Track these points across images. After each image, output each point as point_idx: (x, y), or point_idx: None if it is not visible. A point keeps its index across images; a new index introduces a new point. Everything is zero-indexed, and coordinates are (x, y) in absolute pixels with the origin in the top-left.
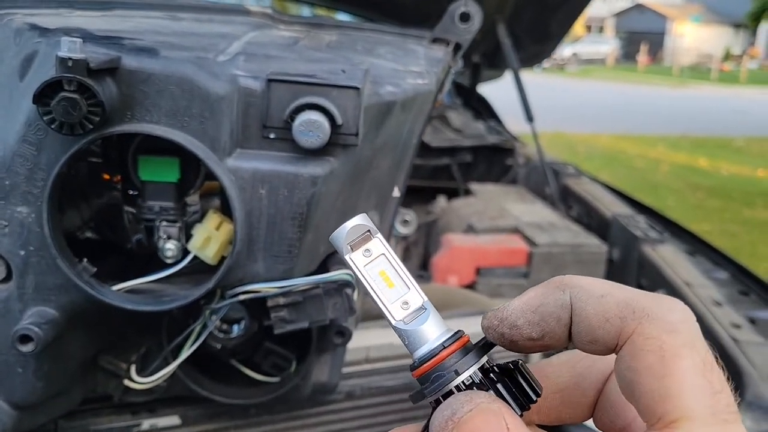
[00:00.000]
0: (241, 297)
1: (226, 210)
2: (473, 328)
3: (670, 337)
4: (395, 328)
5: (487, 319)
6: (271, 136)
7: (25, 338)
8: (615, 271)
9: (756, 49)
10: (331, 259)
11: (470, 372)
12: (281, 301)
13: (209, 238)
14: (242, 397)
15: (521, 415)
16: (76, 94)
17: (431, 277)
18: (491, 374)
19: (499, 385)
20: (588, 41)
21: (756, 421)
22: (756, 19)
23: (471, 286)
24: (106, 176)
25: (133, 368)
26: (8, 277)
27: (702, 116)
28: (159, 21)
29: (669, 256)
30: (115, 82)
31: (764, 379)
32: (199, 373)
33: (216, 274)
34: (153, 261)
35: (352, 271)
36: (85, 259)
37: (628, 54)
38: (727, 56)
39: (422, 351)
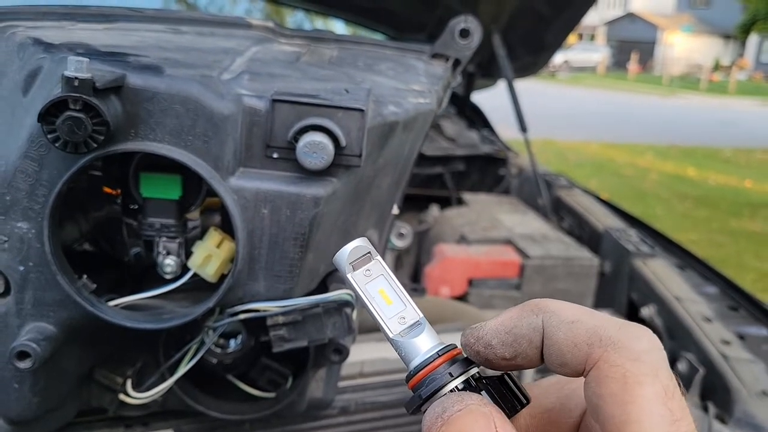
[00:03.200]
0: (242, 316)
1: (226, 227)
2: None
3: (633, 365)
4: (392, 341)
5: (464, 336)
6: (275, 155)
7: (22, 354)
8: (606, 285)
9: (745, 61)
10: (331, 277)
11: (463, 377)
12: (281, 320)
13: (210, 256)
14: (238, 413)
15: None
16: (81, 113)
17: (425, 290)
18: (483, 380)
19: (489, 390)
20: (579, 49)
21: None
22: (746, 30)
23: (463, 297)
24: (107, 190)
25: (128, 383)
26: (6, 292)
27: (691, 126)
28: (162, 35)
29: (660, 271)
30: (119, 101)
31: (753, 395)
32: (195, 388)
33: (216, 293)
34: (150, 275)
35: (353, 289)
36: (85, 276)
37: (619, 62)
38: (717, 67)
39: (417, 361)
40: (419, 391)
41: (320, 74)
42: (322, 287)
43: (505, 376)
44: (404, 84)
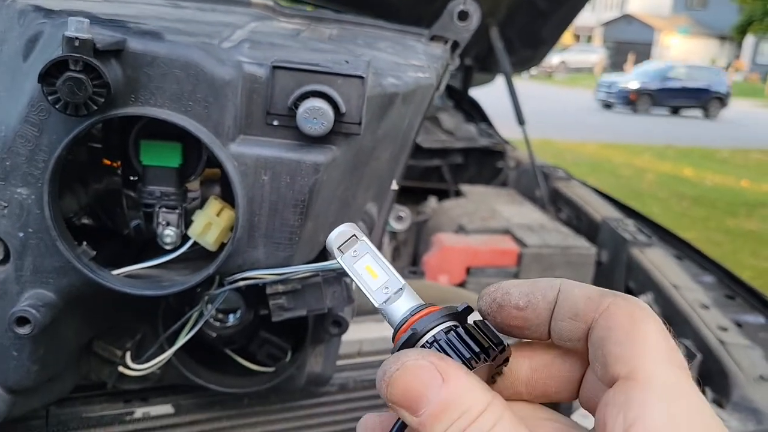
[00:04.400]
0: (241, 284)
1: (226, 197)
2: None
3: (639, 309)
4: (379, 309)
5: (487, 287)
6: (275, 123)
7: (22, 320)
8: (603, 273)
9: (741, 62)
10: None
11: (433, 332)
12: (280, 288)
13: (210, 224)
14: (237, 386)
15: (472, 368)
16: (82, 74)
17: (423, 273)
18: (450, 332)
19: (444, 341)
20: (576, 50)
21: (742, 422)
22: (742, 32)
23: (461, 286)
24: (107, 161)
25: (128, 355)
26: (6, 259)
27: (687, 126)
28: (162, 8)
29: (657, 259)
30: (119, 65)
31: (750, 380)
32: (194, 362)
33: (216, 260)
34: (149, 247)
35: (344, 270)
36: (85, 243)
37: (616, 63)
38: None
39: (397, 321)
40: (392, 351)
41: (320, 47)
42: (321, 258)
43: (475, 323)
44: (404, 59)
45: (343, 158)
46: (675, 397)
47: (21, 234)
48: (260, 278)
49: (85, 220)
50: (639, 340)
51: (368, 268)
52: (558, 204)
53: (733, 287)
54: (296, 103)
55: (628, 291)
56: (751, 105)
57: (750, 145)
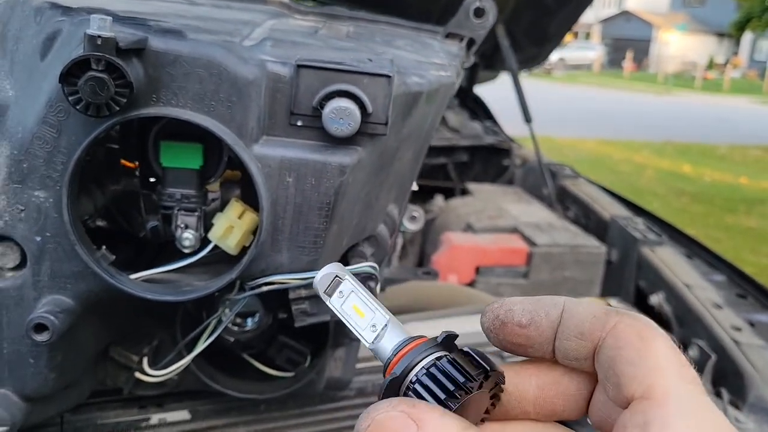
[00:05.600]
0: (265, 288)
1: (247, 199)
2: (476, 326)
3: (647, 327)
4: (371, 350)
5: (491, 303)
6: (299, 123)
7: (40, 327)
8: (613, 273)
9: (739, 59)
10: (352, 252)
11: (415, 370)
12: (303, 293)
13: (231, 228)
14: (256, 392)
15: (452, 406)
16: (104, 73)
17: (437, 273)
18: (432, 367)
19: (419, 385)
20: (575, 47)
21: (758, 423)
22: (740, 28)
23: (470, 285)
24: (126, 163)
25: (145, 361)
26: (22, 264)
27: (686, 123)
28: (178, 5)
29: (668, 258)
30: (141, 64)
31: (766, 381)
32: (212, 368)
33: (239, 264)
34: (165, 252)
35: (333, 313)
36: (104, 247)
37: (614, 60)
38: (711, 65)
39: (385, 360)
40: (381, 396)
41: (341, 45)
42: (343, 262)
43: (461, 351)
44: (425, 58)
45: (369, 159)
46: (693, 412)
47: (38, 238)
48: (284, 283)
49: (99, 223)
50: (651, 358)
51: (355, 307)
52: (565, 202)
53: (743, 286)
54: (322, 103)
55: (639, 290)
56: (749, 101)
57: (748, 141)
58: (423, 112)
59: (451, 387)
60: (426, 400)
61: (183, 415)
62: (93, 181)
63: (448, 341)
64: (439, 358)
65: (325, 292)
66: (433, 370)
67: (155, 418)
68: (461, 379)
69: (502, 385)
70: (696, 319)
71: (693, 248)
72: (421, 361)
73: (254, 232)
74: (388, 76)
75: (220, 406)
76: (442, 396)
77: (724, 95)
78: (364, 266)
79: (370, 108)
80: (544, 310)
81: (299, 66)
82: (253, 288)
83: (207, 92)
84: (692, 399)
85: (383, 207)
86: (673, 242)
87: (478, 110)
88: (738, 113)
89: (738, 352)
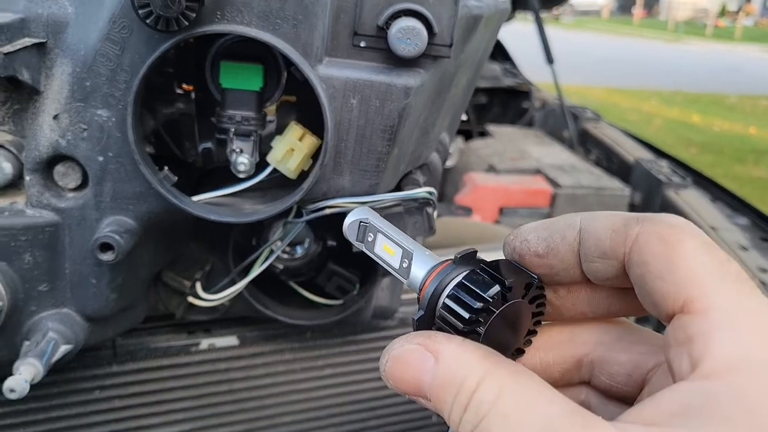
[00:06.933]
0: (327, 211)
1: (303, 124)
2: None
3: (672, 229)
4: (407, 286)
5: (507, 235)
6: (362, 44)
7: (105, 246)
8: None
9: (752, 6)
10: (405, 179)
11: (439, 303)
12: None
13: (292, 150)
14: (305, 319)
15: (474, 330)
16: None
17: (470, 209)
18: (449, 296)
19: (443, 311)
20: None
21: None
22: None
23: None
24: (184, 86)
25: (198, 285)
26: (84, 184)
27: (696, 72)
28: None
29: (693, 201)
30: None
31: None
32: (263, 294)
33: (303, 185)
34: (212, 179)
35: (370, 257)
36: (166, 168)
37: (624, 7)
38: (723, 12)
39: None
40: (415, 326)
41: None
42: (398, 189)
43: (487, 265)
44: None
45: (430, 82)
46: (743, 319)
47: (101, 158)
48: (344, 206)
49: (147, 149)
50: (681, 266)
51: (385, 247)
52: (587, 145)
53: (767, 229)
54: (388, 23)
55: None
56: (761, 50)
57: (759, 91)
58: (480, 37)
59: (466, 315)
60: (452, 329)
61: (231, 341)
62: (144, 105)
63: (466, 260)
64: (457, 284)
65: (356, 239)
66: (447, 301)
67: (204, 343)
68: (477, 305)
69: (540, 289)
70: None
71: (716, 192)
72: (444, 289)
73: (314, 156)
74: None
75: (267, 333)
76: (460, 326)
77: (735, 44)
78: (422, 192)
79: (436, 28)
80: (560, 234)
81: None
82: (313, 211)
83: (272, 10)
84: (739, 303)
85: (438, 134)
86: (696, 186)
87: (497, 52)
88: (749, 62)
89: (766, 292)
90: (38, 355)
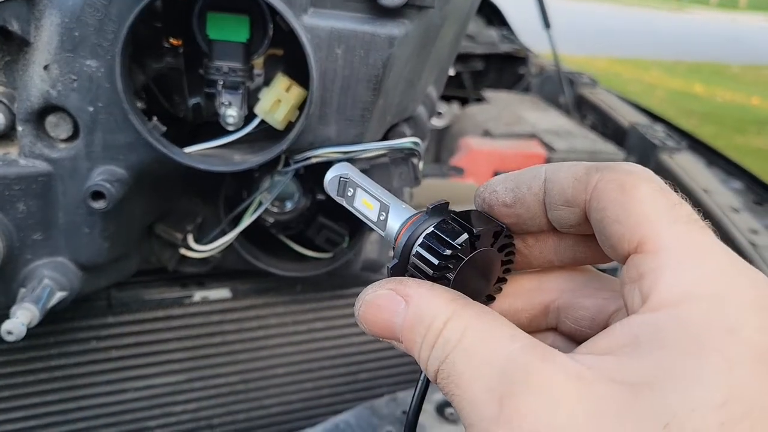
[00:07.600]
0: (314, 161)
1: (290, 76)
2: None
3: (629, 176)
4: (385, 238)
5: (479, 187)
6: None
7: (97, 195)
8: None
9: None
10: (392, 132)
11: (413, 252)
12: None
13: (279, 101)
14: (296, 271)
15: (450, 279)
16: None
17: (462, 169)
18: (420, 244)
19: (416, 260)
20: None
21: None
22: None
23: None
24: (172, 40)
25: (189, 237)
26: (75, 135)
27: (699, 42)
28: None
29: (687, 164)
30: None
31: None
32: (254, 247)
33: (290, 134)
34: (202, 132)
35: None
36: (155, 117)
37: None
38: None
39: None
40: (390, 271)
41: None
42: (384, 140)
43: (457, 214)
44: None
45: (415, 33)
46: (691, 255)
47: (91, 108)
48: (329, 156)
49: (138, 104)
50: (635, 209)
51: (364, 201)
52: (583, 110)
53: (760, 193)
54: None
55: None
56: (766, 19)
57: (762, 61)
58: None
59: (435, 261)
60: (423, 275)
61: (224, 293)
62: (133, 60)
63: (438, 211)
64: (428, 234)
65: (337, 194)
66: (418, 249)
67: (197, 295)
68: (446, 251)
69: (508, 238)
70: (714, 223)
71: (711, 157)
72: (417, 239)
73: (300, 107)
74: None
75: (259, 286)
76: (430, 272)
77: (740, 12)
78: (407, 142)
79: None
80: (526, 184)
81: None
82: (299, 161)
83: None
84: (688, 242)
85: (424, 87)
86: (691, 151)
87: (494, 17)
88: (753, 31)
89: (755, 254)
90: (34, 301)
